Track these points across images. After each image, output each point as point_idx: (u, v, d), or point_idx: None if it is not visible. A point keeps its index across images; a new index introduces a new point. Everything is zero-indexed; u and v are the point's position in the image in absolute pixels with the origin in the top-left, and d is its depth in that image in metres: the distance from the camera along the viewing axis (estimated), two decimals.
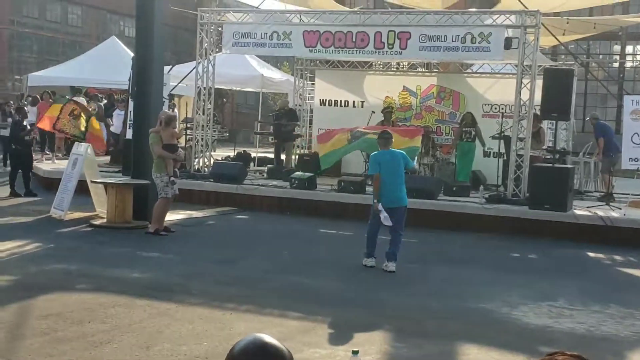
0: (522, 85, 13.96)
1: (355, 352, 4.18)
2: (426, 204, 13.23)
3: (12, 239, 10.37)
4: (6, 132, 17.64)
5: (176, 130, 12.62)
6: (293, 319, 7.18)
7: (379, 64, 19.49)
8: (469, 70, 19.12)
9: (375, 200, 9.50)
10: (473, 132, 16.02)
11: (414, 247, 11.03)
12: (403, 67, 20.04)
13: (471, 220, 13.14)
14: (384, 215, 9.33)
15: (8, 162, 17.70)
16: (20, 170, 14.64)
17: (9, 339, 6.16)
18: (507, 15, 14.21)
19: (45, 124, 13.69)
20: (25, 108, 19.17)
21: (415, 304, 7.95)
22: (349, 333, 6.79)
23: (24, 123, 15.03)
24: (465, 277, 9.44)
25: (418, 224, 11.84)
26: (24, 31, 35.55)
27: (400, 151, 9.97)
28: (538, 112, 14.21)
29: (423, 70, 19.40)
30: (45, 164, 17.75)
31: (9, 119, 19.28)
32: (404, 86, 18.57)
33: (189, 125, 17.83)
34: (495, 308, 7.86)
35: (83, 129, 13.85)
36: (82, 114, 13.46)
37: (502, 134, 15.15)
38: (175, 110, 20.75)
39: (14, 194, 14.41)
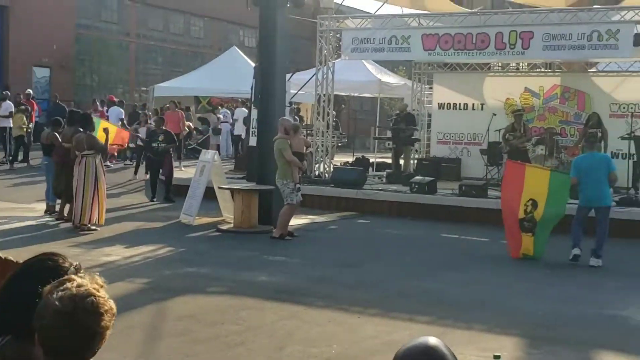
0: None
1: (497, 357, 4.13)
2: None
3: (145, 243, 10.81)
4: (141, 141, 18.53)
5: (304, 138, 12.83)
6: (422, 323, 7.16)
7: (499, 65, 19.14)
8: (593, 69, 18.45)
9: None
10: (599, 134, 15.41)
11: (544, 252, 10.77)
12: (524, 68, 19.59)
13: None
14: None
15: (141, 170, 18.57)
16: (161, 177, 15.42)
17: (147, 339, 6.44)
18: (637, 11, 13.63)
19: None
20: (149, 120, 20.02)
21: (546, 308, 7.76)
22: (479, 338, 6.71)
23: (158, 132, 15.63)
24: (599, 283, 9.13)
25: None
26: (149, 44, 37.09)
27: (604, 155, 10.71)
28: None
29: (545, 70, 18.88)
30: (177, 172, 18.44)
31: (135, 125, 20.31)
32: (525, 87, 18.14)
33: (308, 132, 18.08)
34: (631, 314, 7.57)
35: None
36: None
37: (632, 135, 14.53)
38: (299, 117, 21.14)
39: (162, 199, 15.04)
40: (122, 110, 22.37)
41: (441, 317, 7.33)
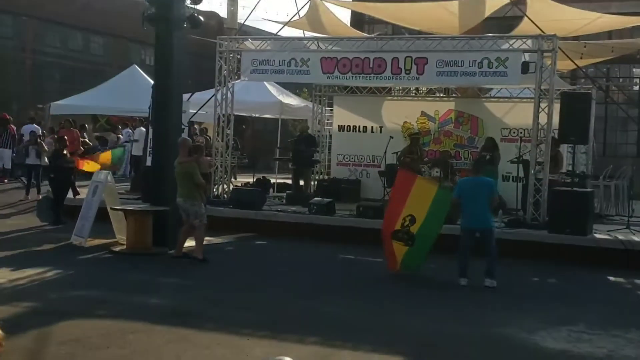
0: (540, 110, 13.94)
1: None
2: (445, 229, 13.15)
3: (33, 266, 10.45)
4: (32, 161, 17.85)
5: (207, 159, 12.76)
6: (311, 344, 7.18)
7: (398, 90, 19.55)
8: (486, 95, 19.11)
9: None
10: (488, 157, 15.90)
11: (432, 272, 11.02)
12: (422, 93, 20.09)
13: None
14: None
15: (32, 189, 17.94)
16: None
17: None
18: (524, 40, 14.22)
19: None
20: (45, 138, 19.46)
21: (433, 328, 7.93)
22: (365, 358, 6.78)
23: (64, 152, 15.13)
24: (483, 302, 9.41)
25: (437, 249, 11.79)
26: (46, 60, 36.07)
27: (488, 179, 10.80)
28: (556, 136, 14.15)
29: (441, 95, 19.42)
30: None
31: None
32: (422, 111, 18.59)
33: (208, 151, 17.94)
34: (514, 333, 7.82)
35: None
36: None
37: (521, 158, 15.10)
38: (207, 135, 20.96)
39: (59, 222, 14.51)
40: (38, 127, 21.48)
41: (330, 338, 7.38)
